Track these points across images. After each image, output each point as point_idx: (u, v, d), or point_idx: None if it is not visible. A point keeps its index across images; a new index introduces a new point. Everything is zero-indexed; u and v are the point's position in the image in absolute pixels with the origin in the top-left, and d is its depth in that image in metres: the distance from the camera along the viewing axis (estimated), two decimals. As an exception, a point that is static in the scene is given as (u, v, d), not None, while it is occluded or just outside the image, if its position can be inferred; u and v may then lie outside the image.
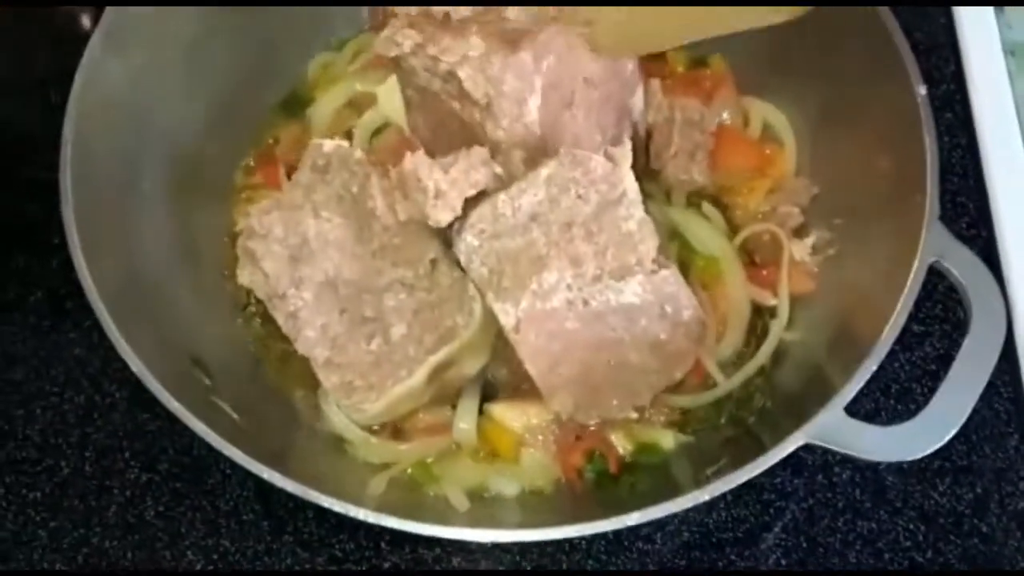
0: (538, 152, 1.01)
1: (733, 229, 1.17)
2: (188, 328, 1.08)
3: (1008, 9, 1.35)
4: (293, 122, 1.26)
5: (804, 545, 1.10)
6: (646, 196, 1.01)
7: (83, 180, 1.03)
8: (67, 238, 0.99)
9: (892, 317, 0.94)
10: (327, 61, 1.30)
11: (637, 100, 1.13)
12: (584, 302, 0.97)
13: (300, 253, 1.02)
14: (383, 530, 1.05)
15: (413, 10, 1.07)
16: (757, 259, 1.16)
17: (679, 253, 1.14)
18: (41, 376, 1.17)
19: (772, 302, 1.13)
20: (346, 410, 1.02)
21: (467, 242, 0.97)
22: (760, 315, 1.13)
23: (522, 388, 1.07)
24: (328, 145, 1.04)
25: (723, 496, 0.90)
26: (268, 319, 1.07)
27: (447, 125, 1.07)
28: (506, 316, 0.96)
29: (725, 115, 1.21)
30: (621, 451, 1.07)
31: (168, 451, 1.13)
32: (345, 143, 1.05)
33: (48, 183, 1.25)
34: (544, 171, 0.97)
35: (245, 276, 1.04)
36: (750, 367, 1.10)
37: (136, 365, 0.92)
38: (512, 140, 1.01)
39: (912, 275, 0.95)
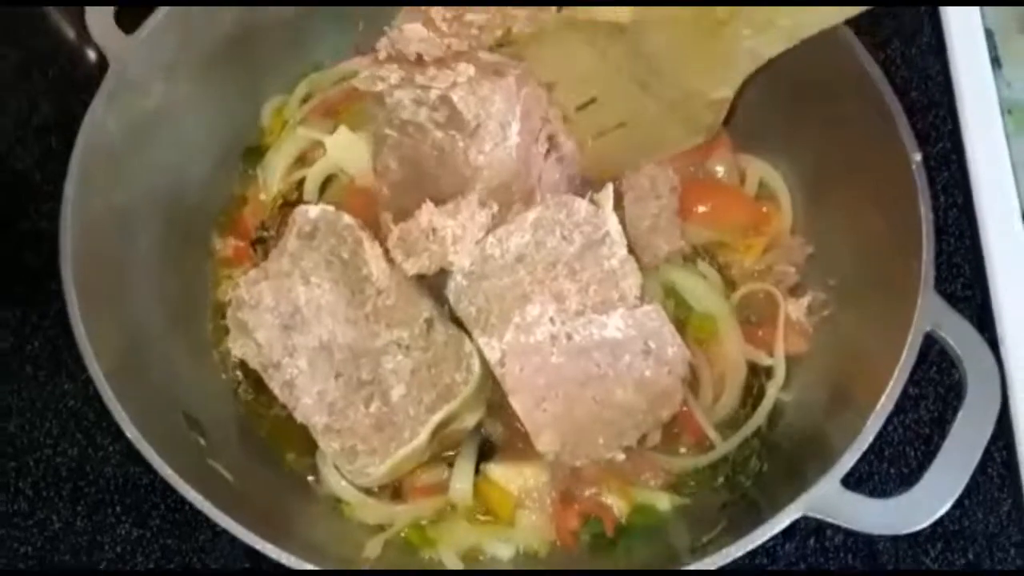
0: (513, 183, 1.05)
1: (729, 287, 1.17)
2: (183, 388, 1.08)
3: (1007, 68, 1.35)
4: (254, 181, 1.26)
5: (796, 610, 1.10)
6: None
7: (82, 238, 1.03)
8: (65, 296, 0.99)
9: (888, 387, 0.95)
10: (279, 104, 1.29)
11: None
12: (568, 336, 0.99)
13: (292, 321, 1.02)
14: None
15: (383, 53, 1.09)
16: (753, 318, 1.15)
17: (675, 311, 1.13)
18: (35, 428, 1.17)
19: (768, 362, 1.12)
20: (349, 475, 1.01)
21: (456, 282, 1.00)
22: (756, 375, 1.13)
23: (518, 447, 1.07)
24: (313, 211, 1.05)
25: (715, 559, 0.90)
26: (257, 387, 1.09)
27: (423, 161, 1.08)
28: (491, 350, 0.98)
29: (720, 170, 1.21)
30: (616, 512, 1.06)
31: (160, 507, 1.12)
32: (331, 208, 1.06)
33: (46, 233, 1.25)
34: (531, 215, 1.01)
35: (237, 347, 1.03)
36: (747, 429, 1.09)
37: (131, 431, 0.93)
38: (491, 168, 1.04)
39: (907, 346, 0.95)
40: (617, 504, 1.07)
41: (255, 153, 1.26)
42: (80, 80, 1.40)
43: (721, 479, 1.09)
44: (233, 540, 1.07)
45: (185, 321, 1.14)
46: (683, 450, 1.10)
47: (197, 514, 1.09)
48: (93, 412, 1.16)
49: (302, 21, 1.25)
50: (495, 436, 1.09)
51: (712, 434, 1.09)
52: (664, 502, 1.07)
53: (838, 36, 1.04)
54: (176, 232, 1.16)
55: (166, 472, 0.91)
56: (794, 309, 1.14)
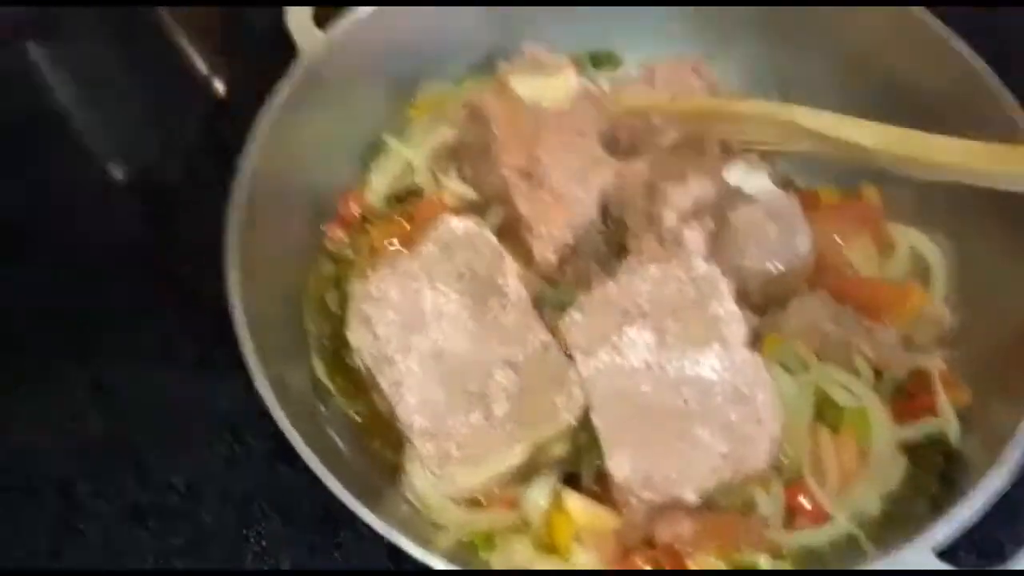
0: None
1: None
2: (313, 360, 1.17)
3: None
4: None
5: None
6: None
7: (246, 221, 1.12)
8: (229, 299, 1.07)
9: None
10: (437, 89, 1.36)
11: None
12: (661, 367, 1.03)
13: (413, 321, 1.08)
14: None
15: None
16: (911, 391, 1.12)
17: (822, 411, 1.09)
18: (188, 427, 1.22)
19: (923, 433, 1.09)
20: (438, 479, 1.05)
21: (572, 316, 1.07)
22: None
23: (606, 498, 1.06)
24: (456, 223, 1.12)
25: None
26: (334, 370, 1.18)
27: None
28: (584, 366, 1.04)
29: (863, 248, 1.21)
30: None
31: (303, 505, 1.17)
32: (472, 223, 1.13)
33: (196, 244, 1.34)
34: (653, 267, 1.08)
35: (356, 337, 1.09)
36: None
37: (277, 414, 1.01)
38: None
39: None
40: (712, 564, 1.02)
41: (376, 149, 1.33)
42: (217, 104, 1.51)
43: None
44: (376, 539, 1.13)
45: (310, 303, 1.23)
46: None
47: (340, 511, 1.15)
48: (242, 413, 1.21)
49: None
50: (587, 484, 1.08)
51: (841, 517, 1.03)
52: (764, 561, 1.03)
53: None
54: (319, 223, 1.28)
55: (284, 425, 1.00)
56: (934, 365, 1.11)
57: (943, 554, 0.91)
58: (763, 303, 1.15)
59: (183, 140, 1.46)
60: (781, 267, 1.14)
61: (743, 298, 1.13)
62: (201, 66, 1.57)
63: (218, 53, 1.57)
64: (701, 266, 1.07)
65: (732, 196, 1.16)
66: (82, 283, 1.33)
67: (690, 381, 1.02)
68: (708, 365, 1.02)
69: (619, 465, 1.00)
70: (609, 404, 1.02)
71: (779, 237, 1.13)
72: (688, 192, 1.14)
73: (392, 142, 1.31)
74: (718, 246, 1.14)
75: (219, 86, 1.54)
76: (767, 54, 1.33)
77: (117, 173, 1.48)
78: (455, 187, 1.27)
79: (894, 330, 1.12)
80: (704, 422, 1.00)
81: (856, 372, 1.10)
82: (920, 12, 1.20)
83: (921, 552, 0.90)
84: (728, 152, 1.18)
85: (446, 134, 1.30)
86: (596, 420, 1.02)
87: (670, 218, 1.13)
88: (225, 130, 1.44)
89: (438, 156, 1.30)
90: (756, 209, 1.14)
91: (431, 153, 1.30)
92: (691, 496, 0.98)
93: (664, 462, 0.99)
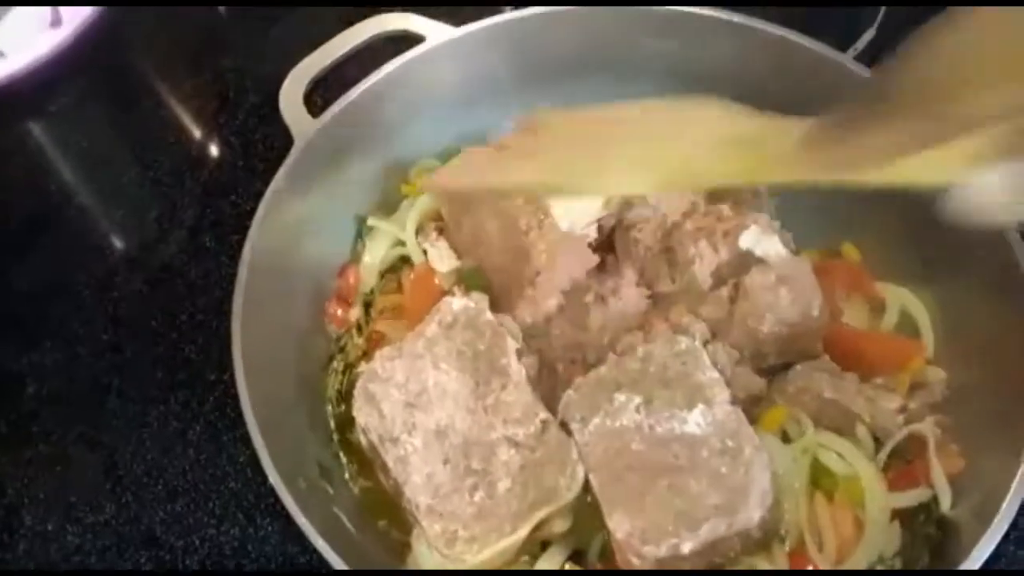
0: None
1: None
2: (318, 439, 1.20)
3: None
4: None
5: None
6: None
7: (248, 325, 1.14)
8: (238, 387, 1.09)
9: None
10: (429, 167, 1.38)
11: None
12: (651, 427, 1.08)
13: (417, 400, 1.11)
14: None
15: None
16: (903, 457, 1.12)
17: (818, 480, 1.11)
18: (200, 508, 1.25)
19: (925, 498, 1.10)
20: (445, 559, 1.07)
21: (569, 395, 1.12)
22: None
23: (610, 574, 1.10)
24: (457, 304, 1.16)
25: None
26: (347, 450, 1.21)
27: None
28: (580, 434, 1.09)
29: (858, 307, 1.24)
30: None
31: (316, 586, 1.20)
32: (472, 304, 1.17)
33: (203, 324, 1.37)
34: (641, 348, 1.13)
35: (362, 415, 1.12)
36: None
37: (286, 499, 1.03)
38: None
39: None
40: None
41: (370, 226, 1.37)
42: (213, 178, 1.54)
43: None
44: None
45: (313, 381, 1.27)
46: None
47: (353, 593, 1.18)
48: (252, 494, 1.25)
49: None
50: (592, 555, 1.11)
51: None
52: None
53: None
54: (319, 303, 1.31)
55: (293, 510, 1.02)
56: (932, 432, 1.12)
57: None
58: (777, 366, 1.19)
59: (181, 215, 1.49)
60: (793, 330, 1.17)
61: (759, 361, 1.18)
62: (197, 140, 1.61)
63: (214, 127, 1.61)
64: (683, 341, 1.13)
65: (745, 260, 1.19)
66: (91, 366, 1.36)
67: (679, 438, 1.07)
68: (693, 422, 1.07)
69: (619, 523, 1.04)
70: (604, 464, 1.07)
71: (792, 301, 1.15)
72: (715, 256, 1.18)
73: (375, 222, 1.34)
74: (732, 310, 1.17)
75: (215, 159, 1.58)
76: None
77: (119, 251, 1.50)
78: (439, 254, 1.31)
79: (897, 396, 1.14)
80: (694, 474, 1.05)
81: (855, 438, 1.13)
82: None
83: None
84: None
85: (427, 203, 1.35)
86: (593, 480, 1.06)
87: (704, 279, 1.18)
88: (222, 204, 1.49)
89: (423, 223, 1.34)
90: (768, 273, 1.16)
91: (416, 224, 1.34)
92: (688, 546, 1.02)
93: (660, 515, 1.03)
